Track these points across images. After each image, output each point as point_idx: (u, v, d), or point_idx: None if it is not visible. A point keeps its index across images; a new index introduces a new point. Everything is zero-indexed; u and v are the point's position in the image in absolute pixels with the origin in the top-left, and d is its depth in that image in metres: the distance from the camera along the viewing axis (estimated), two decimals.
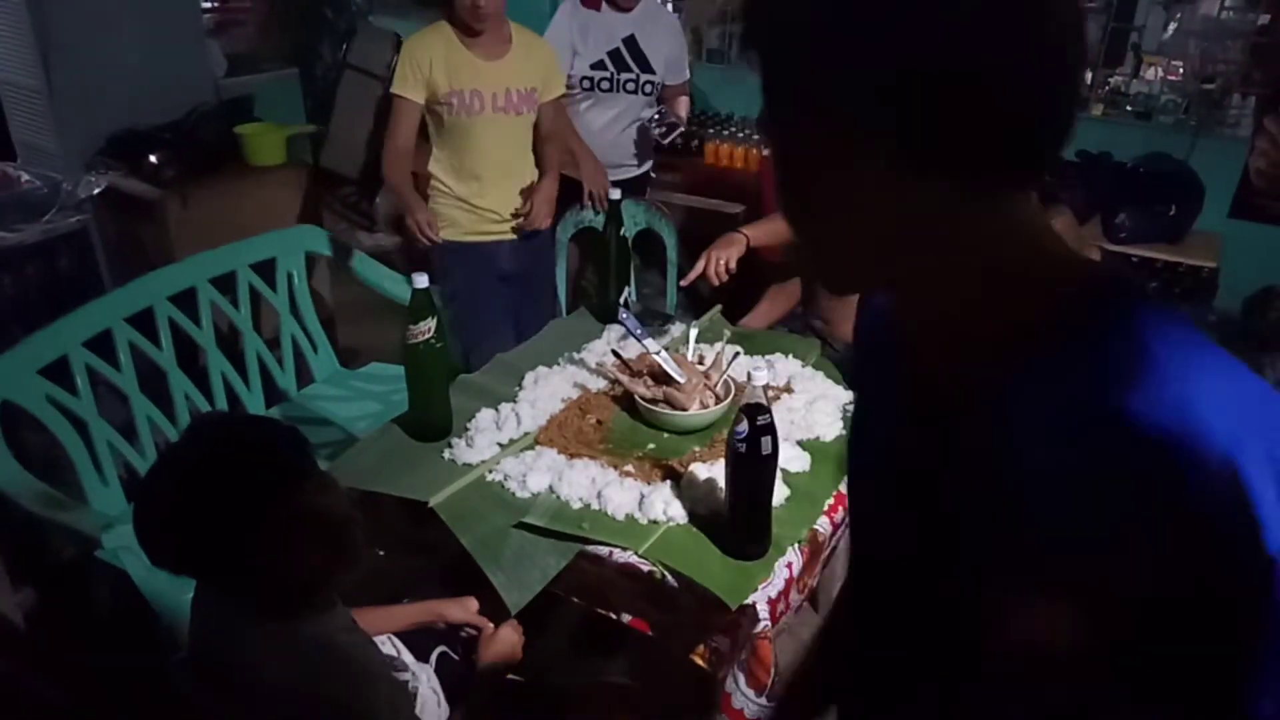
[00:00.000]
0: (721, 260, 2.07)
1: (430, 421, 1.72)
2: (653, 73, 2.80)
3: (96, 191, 2.88)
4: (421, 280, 1.67)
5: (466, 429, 1.71)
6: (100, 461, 1.98)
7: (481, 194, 2.42)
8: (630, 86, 2.80)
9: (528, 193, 2.45)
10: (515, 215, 2.45)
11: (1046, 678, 0.61)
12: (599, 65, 2.75)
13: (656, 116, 2.85)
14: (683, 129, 2.95)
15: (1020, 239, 0.58)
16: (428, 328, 1.65)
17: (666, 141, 2.88)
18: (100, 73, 3.11)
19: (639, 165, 2.96)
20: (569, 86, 2.71)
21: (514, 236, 2.48)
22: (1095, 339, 0.55)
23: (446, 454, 1.65)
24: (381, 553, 1.60)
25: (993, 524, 0.61)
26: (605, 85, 2.78)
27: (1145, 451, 0.51)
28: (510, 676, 1.51)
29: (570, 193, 2.65)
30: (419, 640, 1.53)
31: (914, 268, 0.60)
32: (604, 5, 2.73)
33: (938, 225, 0.57)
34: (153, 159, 3.05)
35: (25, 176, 2.90)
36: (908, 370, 0.69)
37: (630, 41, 2.76)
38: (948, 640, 0.67)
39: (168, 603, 1.67)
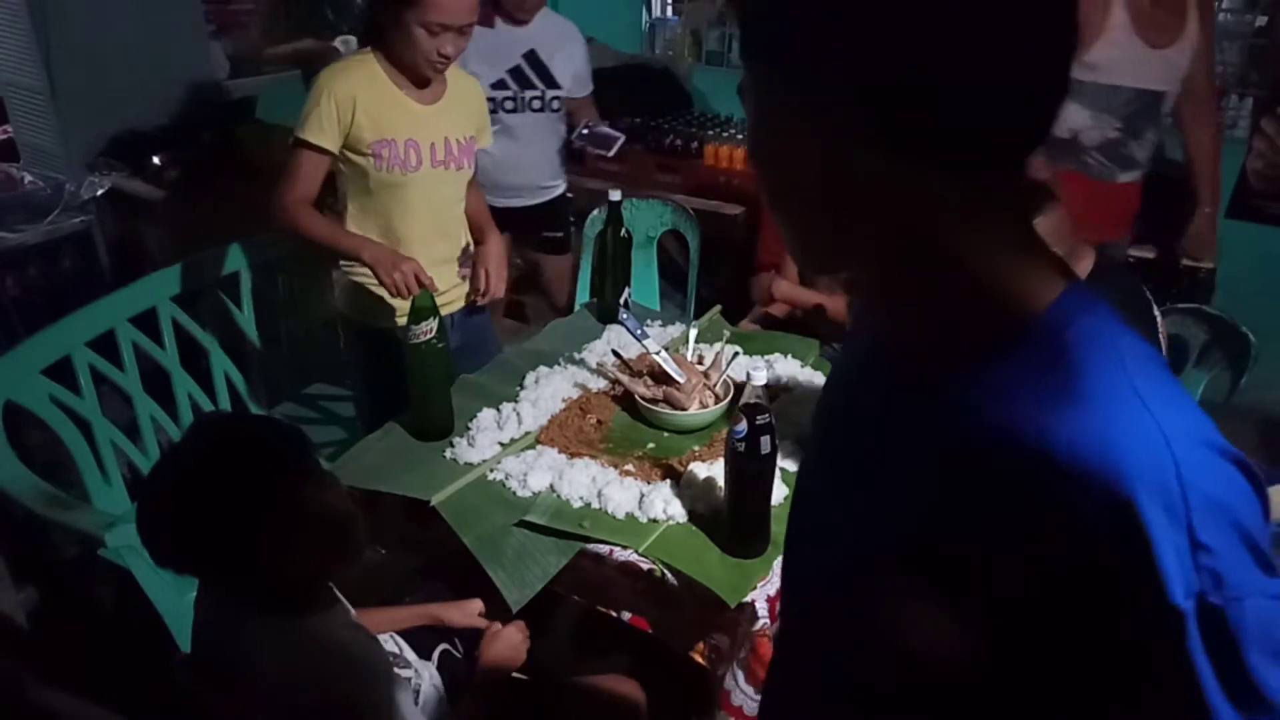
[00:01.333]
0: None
1: (432, 421, 1.73)
2: (558, 87, 2.62)
3: (99, 192, 2.90)
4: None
5: (468, 428, 1.71)
6: (103, 461, 1.99)
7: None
8: (536, 104, 2.61)
9: (467, 258, 2.08)
10: (454, 287, 2.07)
11: (935, 703, 0.60)
12: (500, 85, 2.55)
13: (585, 132, 2.67)
14: (623, 139, 2.75)
15: (991, 243, 0.57)
16: (429, 328, 1.66)
17: (610, 156, 2.74)
18: (103, 74, 3.11)
19: (556, 187, 2.79)
20: None
21: (455, 309, 2.10)
22: (1042, 361, 0.54)
23: (448, 453, 1.66)
24: (383, 551, 1.61)
25: (899, 523, 0.61)
26: (509, 105, 2.58)
27: (1055, 482, 0.51)
28: (511, 674, 1.52)
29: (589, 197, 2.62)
30: (421, 638, 1.54)
31: (878, 253, 0.59)
32: (498, 21, 2.52)
33: (904, 208, 0.56)
34: (155, 160, 3.06)
35: (28, 177, 2.91)
36: (868, 359, 0.69)
37: (531, 57, 2.57)
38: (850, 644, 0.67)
39: (171, 602, 1.67)
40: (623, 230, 2.18)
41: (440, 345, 1.69)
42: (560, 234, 2.87)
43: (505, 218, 2.65)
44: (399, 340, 1.79)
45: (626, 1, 4.73)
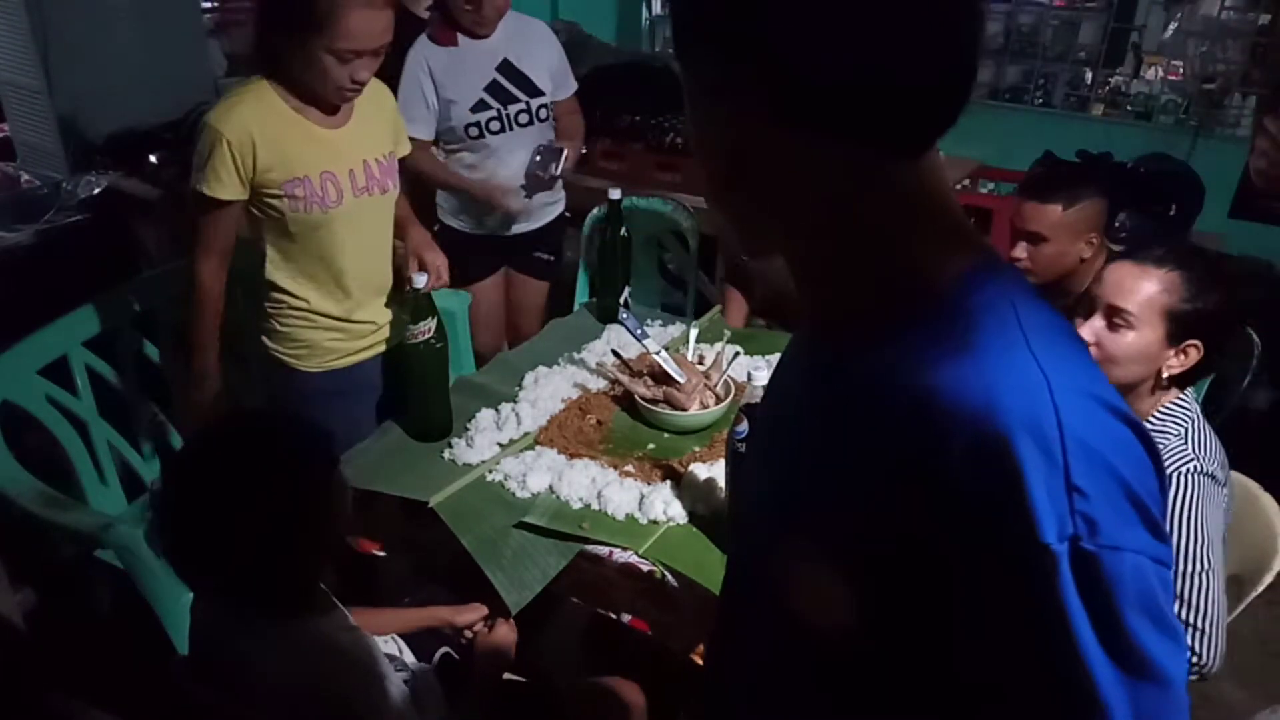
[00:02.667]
0: None
1: (430, 422, 1.72)
2: (541, 94, 2.39)
3: (96, 191, 2.89)
4: (420, 280, 1.66)
5: (466, 429, 1.71)
6: (100, 462, 1.98)
7: (355, 306, 1.81)
8: (523, 119, 2.37)
9: (400, 266, 1.90)
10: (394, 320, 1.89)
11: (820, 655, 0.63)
12: (480, 106, 2.31)
13: (537, 158, 2.40)
14: (570, 151, 2.45)
15: (900, 220, 0.58)
16: (428, 328, 1.65)
17: (559, 173, 2.42)
18: (100, 73, 3.10)
19: (555, 206, 2.59)
20: (453, 140, 2.34)
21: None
22: (943, 327, 0.56)
23: (446, 454, 1.65)
24: (382, 553, 1.60)
25: (815, 501, 0.62)
26: (495, 127, 2.34)
27: (939, 422, 0.52)
28: (509, 677, 1.51)
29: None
30: (421, 640, 1.53)
31: (797, 233, 0.62)
32: (460, 38, 2.29)
33: (816, 188, 0.57)
34: (153, 159, 3.05)
35: (25, 176, 2.90)
36: (797, 346, 0.72)
37: (506, 67, 2.33)
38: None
39: (167, 603, 1.67)
40: (623, 229, 2.17)
41: (439, 345, 1.68)
42: (551, 257, 2.65)
43: (499, 246, 2.52)
44: (338, 375, 1.80)
45: None
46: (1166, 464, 1.32)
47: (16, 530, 2.05)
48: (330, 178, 1.69)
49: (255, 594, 1.12)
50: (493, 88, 2.32)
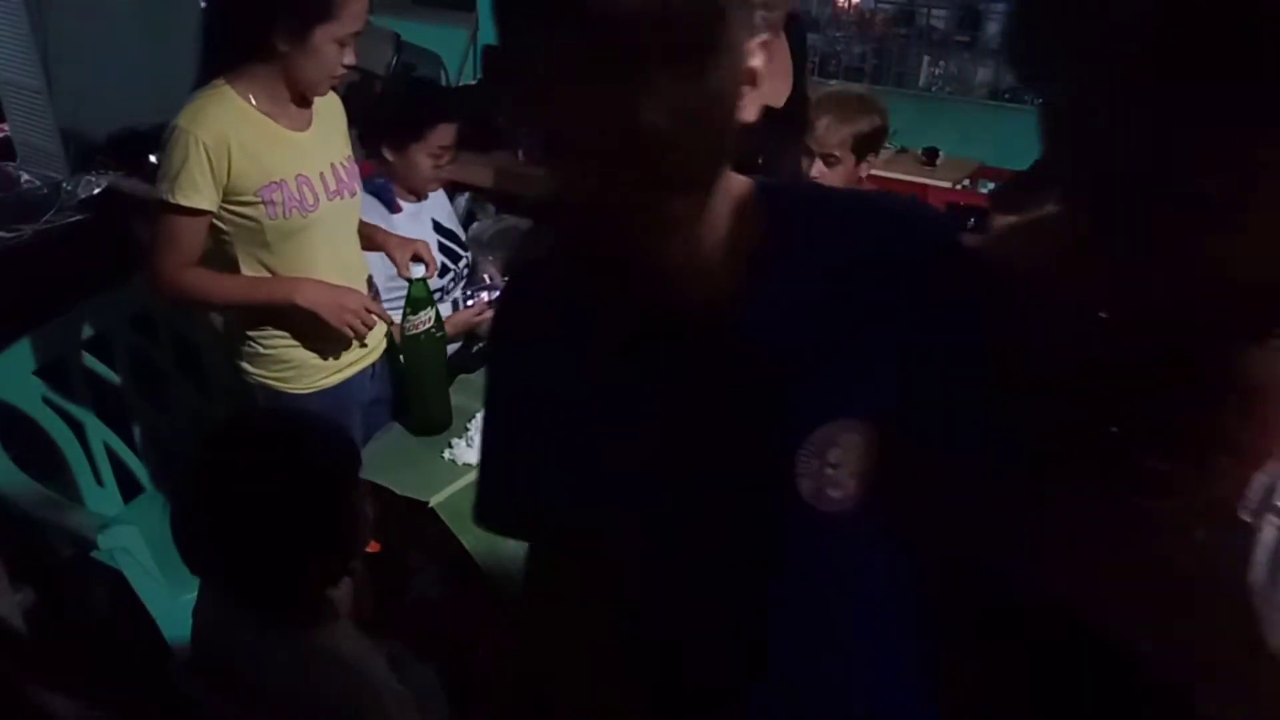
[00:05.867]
0: None
1: (431, 415, 1.71)
2: (464, 241, 2.28)
3: (96, 191, 2.88)
4: (418, 270, 1.66)
5: (466, 429, 1.70)
6: (96, 462, 1.97)
7: None
8: (466, 269, 2.25)
9: (374, 290, 1.86)
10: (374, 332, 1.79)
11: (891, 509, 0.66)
12: (443, 272, 2.12)
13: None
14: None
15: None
16: (427, 318, 1.65)
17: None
18: (101, 72, 3.10)
19: None
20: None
21: (376, 357, 1.84)
22: (812, 214, 0.66)
23: (446, 454, 1.65)
24: (380, 551, 1.59)
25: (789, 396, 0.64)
26: (451, 284, 2.18)
27: (914, 235, 0.64)
28: (509, 676, 1.50)
29: None
30: (422, 640, 1.53)
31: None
32: (402, 205, 2.10)
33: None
34: (153, 159, 3.03)
35: (25, 176, 2.90)
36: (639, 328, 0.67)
37: (438, 226, 2.20)
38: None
39: (163, 604, 1.66)
40: None
41: (439, 335, 1.68)
42: None
43: None
44: (324, 396, 1.70)
45: None
46: None
47: (14, 531, 2.05)
48: (305, 181, 1.63)
49: (269, 603, 1.10)
50: (443, 249, 2.17)
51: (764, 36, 0.57)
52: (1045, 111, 0.60)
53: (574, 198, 0.59)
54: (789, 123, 1.82)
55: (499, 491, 0.86)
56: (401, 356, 1.82)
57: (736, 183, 0.64)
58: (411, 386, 1.71)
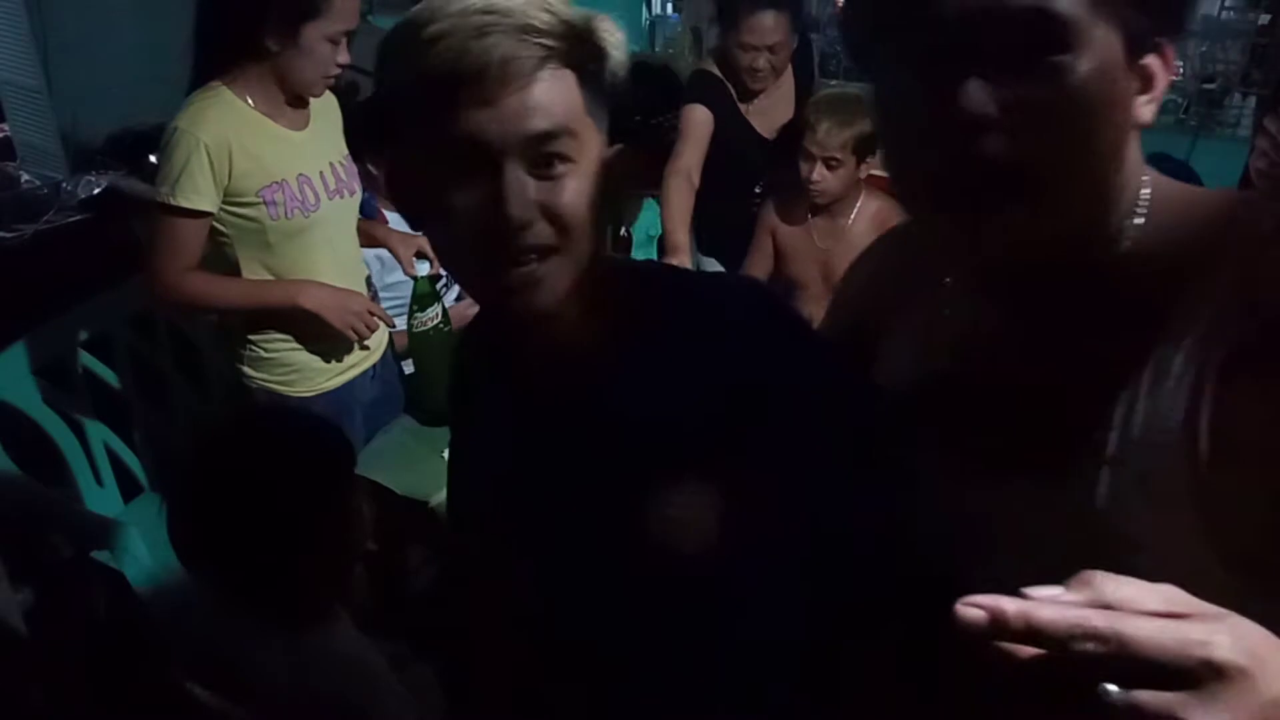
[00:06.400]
0: None
1: (440, 405, 1.73)
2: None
3: (96, 191, 2.88)
4: (423, 268, 1.68)
5: None
6: (96, 463, 1.98)
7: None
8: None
9: (373, 290, 1.87)
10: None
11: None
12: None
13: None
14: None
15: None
16: (434, 314, 1.68)
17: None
18: (101, 72, 3.10)
19: None
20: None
21: (375, 359, 1.83)
22: (670, 302, 0.73)
23: (446, 454, 1.64)
24: (379, 550, 1.60)
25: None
26: (449, 280, 2.09)
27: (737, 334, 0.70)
28: (509, 676, 1.50)
29: None
30: (420, 637, 1.53)
31: None
32: (387, 215, 2.09)
33: None
34: (153, 159, 3.03)
35: (25, 176, 2.90)
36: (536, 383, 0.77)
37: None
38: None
39: (162, 604, 1.66)
40: (623, 230, 2.17)
41: (446, 329, 1.70)
42: None
43: None
44: (326, 399, 1.70)
45: None
46: None
47: (14, 531, 2.06)
48: (306, 180, 1.63)
49: (268, 603, 1.11)
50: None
51: None
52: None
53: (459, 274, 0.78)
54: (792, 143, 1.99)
55: (452, 507, 1.02)
56: (409, 353, 1.85)
57: (604, 265, 0.73)
58: (422, 380, 1.75)
